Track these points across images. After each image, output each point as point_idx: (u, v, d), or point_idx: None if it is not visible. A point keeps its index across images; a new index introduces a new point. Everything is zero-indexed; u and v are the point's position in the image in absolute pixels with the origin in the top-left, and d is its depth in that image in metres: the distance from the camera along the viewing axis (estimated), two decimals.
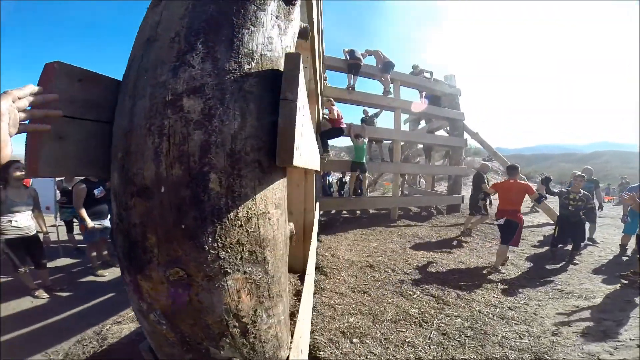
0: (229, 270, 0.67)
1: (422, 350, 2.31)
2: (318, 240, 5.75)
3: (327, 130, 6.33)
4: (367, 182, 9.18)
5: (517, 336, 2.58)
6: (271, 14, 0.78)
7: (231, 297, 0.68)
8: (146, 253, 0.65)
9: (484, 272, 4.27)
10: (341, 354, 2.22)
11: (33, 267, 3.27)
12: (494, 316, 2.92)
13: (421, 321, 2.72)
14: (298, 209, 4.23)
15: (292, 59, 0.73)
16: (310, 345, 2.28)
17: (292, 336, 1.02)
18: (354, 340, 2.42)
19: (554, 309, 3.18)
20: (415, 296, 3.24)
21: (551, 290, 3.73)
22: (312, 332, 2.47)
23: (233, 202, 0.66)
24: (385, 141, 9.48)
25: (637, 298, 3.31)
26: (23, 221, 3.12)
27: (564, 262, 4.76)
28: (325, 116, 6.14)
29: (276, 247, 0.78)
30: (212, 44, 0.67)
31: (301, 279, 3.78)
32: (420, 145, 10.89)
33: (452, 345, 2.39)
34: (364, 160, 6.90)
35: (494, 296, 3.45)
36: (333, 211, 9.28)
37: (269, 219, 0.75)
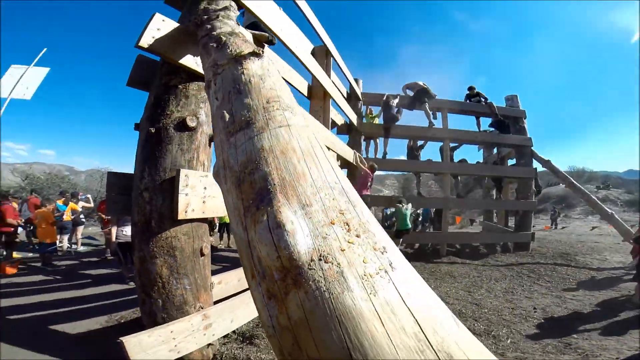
0: (157, 256, 1.71)
1: None
2: None
3: None
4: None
5: None
6: (176, 144, 1.83)
7: (159, 268, 1.69)
8: None
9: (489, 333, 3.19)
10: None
11: (130, 265, 4.90)
12: None
13: None
14: None
15: (177, 175, 1.73)
16: (248, 333, 2.61)
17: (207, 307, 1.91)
18: None
19: None
20: None
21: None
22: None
23: (159, 230, 1.72)
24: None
25: None
26: (129, 232, 4.78)
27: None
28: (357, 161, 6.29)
29: (183, 251, 1.76)
30: (149, 166, 1.78)
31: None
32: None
33: None
34: (409, 226, 6.46)
35: None
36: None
37: (178, 239, 1.75)
